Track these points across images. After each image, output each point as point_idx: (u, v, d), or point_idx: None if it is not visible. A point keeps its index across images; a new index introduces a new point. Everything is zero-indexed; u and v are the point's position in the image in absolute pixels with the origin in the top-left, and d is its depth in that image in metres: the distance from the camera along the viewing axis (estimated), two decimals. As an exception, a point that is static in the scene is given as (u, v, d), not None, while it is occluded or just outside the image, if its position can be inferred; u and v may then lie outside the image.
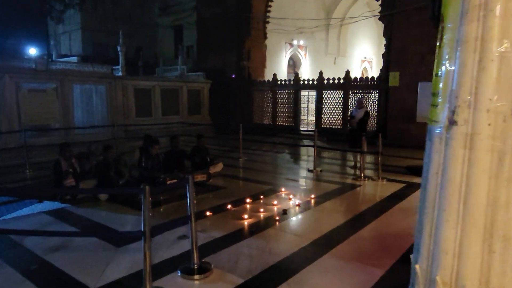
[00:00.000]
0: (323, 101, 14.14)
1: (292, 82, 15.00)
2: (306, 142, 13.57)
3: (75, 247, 4.06)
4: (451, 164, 1.92)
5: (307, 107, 14.81)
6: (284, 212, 5.25)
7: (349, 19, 20.37)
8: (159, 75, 16.83)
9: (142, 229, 3.02)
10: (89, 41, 19.91)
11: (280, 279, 3.34)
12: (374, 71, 25.93)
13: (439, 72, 2.13)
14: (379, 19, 12.56)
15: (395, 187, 6.82)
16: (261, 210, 5.30)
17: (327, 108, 14.10)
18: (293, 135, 14.56)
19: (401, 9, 11.62)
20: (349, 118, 8.74)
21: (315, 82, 14.30)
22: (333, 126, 13.89)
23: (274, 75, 15.61)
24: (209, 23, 16.75)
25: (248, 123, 15.99)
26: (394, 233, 4.54)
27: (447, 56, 2.06)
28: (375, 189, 6.85)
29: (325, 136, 13.68)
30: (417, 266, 2.21)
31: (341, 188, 6.81)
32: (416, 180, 7.38)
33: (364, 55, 25.97)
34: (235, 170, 8.62)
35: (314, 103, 14.45)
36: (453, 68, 1.99)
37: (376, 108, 12.84)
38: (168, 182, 6.49)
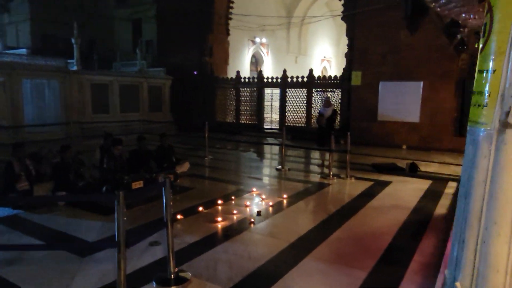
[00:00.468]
0: (287, 99, 14.17)
1: (256, 80, 14.89)
2: (270, 140, 13.54)
3: (33, 259, 3.66)
4: (503, 172, 1.74)
5: (271, 105, 14.78)
6: (258, 214, 5.11)
7: (310, 18, 20.63)
8: (117, 70, 16.04)
9: (116, 238, 2.73)
10: (38, 32, 18.54)
11: (263, 287, 3.19)
12: (333, 71, 26.51)
13: (487, 68, 1.92)
14: (342, 18, 12.75)
15: (364, 185, 6.90)
16: (234, 211, 5.12)
17: (291, 106, 14.14)
18: (257, 133, 14.47)
19: (363, 9, 11.87)
20: (317, 117, 8.76)
21: (279, 80, 14.28)
22: (297, 124, 13.96)
23: (238, 72, 15.41)
24: (170, 18, 16.20)
25: (210, 121, 15.65)
26: (370, 232, 4.54)
27: (497, 50, 1.85)
28: (345, 187, 6.89)
29: (289, 134, 13.71)
30: (458, 284, 2.02)
31: (311, 187, 6.79)
32: (383, 178, 7.55)
33: (324, 55, 26.46)
34: (202, 169, 8.36)
35: (278, 101, 14.44)
36: (506, 63, 1.79)
37: (339, 106, 13.05)
38: (134, 184, 6.12)
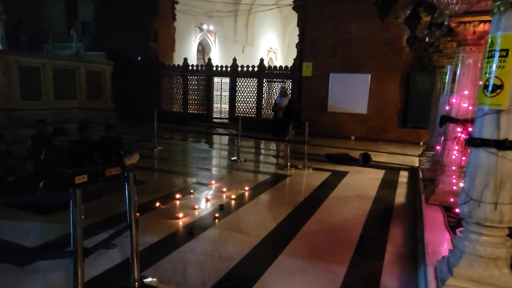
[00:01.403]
0: (237, 88, 13.84)
1: (204, 68, 14.33)
2: (220, 130, 13.15)
3: (-44, 273, 2.99)
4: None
5: (220, 94, 14.35)
6: (221, 208, 4.78)
7: (259, 7, 20.37)
8: (48, 52, 14.46)
9: (72, 247, 2.26)
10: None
11: (242, 290, 2.89)
12: (279, 62, 26.56)
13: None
14: (293, 8, 12.66)
15: (322, 176, 6.85)
16: (195, 206, 4.74)
17: (241, 96, 13.84)
18: (205, 124, 13.99)
19: (314, 1, 11.86)
20: (273, 107, 8.56)
21: (229, 69, 13.88)
22: (247, 115, 13.70)
23: (185, 59, 14.72)
24: (110, -2, 14.95)
25: (156, 110, 14.84)
26: (339, 224, 4.44)
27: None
28: (304, 178, 6.78)
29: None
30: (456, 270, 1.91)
31: (271, 179, 6.58)
32: (339, 168, 7.58)
33: (270, 46, 26.39)
34: (153, 161, 7.79)
35: (228, 90, 14.06)
36: None
37: (289, 97, 12.98)
38: (77, 178, 5.43)
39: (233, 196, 5.25)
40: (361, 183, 6.44)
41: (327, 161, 8.31)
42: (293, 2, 12.54)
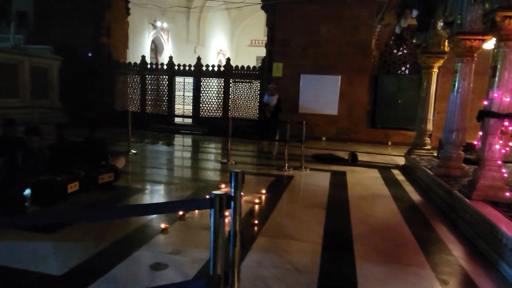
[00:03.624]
0: (202, 89, 13.19)
1: (165, 67, 13.43)
2: (184, 132, 12.43)
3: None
4: None
5: (183, 95, 13.55)
6: (251, 214, 4.30)
7: (214, 6, 19.83)
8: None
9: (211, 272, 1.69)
10: None
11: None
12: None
13: None
14: (262, 7, 12.40)
15: (324, 176, 6.66)
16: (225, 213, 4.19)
17: (205, 97, 13.20)
18: (167, 126, 13.08)
19: (283, 1, 11.74)
20: (263, 106, 8.20)
21: (193, 68, 13.18)
22: (213, 116, 13.11)
23: (143, 57, 13.69)
24: (53, -14, 13.38)
25: (110, 111, 13.61)
26: (383, 224, 4.24)
27: None
28: (309, 178, 6.52)
29: (205, 126, 12.84)
30: None
31: (277, 180, 6.20)
32: (333, 168, 7.44)
33: (220, 47, 25.90)
34: (137, 166, 6.94)
35: (191, 91, 13.33)
36: None
37: (258, 98, 12.72)
38: (69, 186, 4.56)
39: (256, 201, 4.78)
40: (367, 182, 6.35)
41: (314, 161, 8.13)
42: (261, 1, 12.28)
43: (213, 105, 13.16)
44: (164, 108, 13.65)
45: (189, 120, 13.87)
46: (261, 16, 28.67)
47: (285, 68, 12.03)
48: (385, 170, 7.54)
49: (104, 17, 13.35)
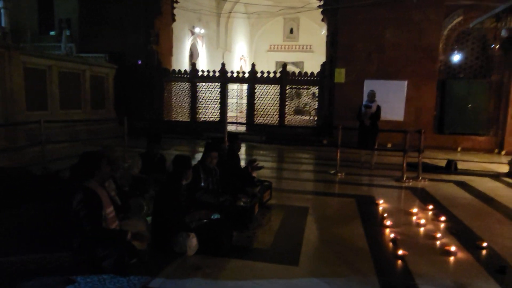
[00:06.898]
0: (256, 96, 12.88)
1: (218, 74, 13.10)
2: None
3: None
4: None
5: (237, 102, 13.23)
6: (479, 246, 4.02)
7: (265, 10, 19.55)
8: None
9: None
10: None
11: None
12: (247, 69, 25.87)
13: None
14: (322, 12, 12.19)
15: (450, 186, 6.49)
16: (437, 235, 3.89)
17: (261, 104, 12.90)
18: (222, 134, 12.73)
19: (346, 5, 11.52)
20: (360, 113, 7.94)
21: (247, 75, 12.88)
22: (268, 123, 12.80)
23: (193, 64, 13.42)
24: (99, -8, 12.97)
25: (159, 120, 13.23)
26: None
27: None
28: (439, 189, 6.24)
29: (262, 134, 12.52)
30: None
31: (414, 192, 5.94)
32: (445, 177, 7.19)
33: (242, 53, 25.64)
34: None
35: (245, 98, 13.02)
36: None
37: (316, 105, 12.47)
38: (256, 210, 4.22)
39: (443, 218, 4.48)
40: (500, 192, 6.12)
41: (413, 169, 7.87)
42: (322, 6, 12.05)
43: (268, 112, 12.85)
44: (215, 116, 13.30)
45: (242, 128, 13.54)
46: (279, 21, 28.70)
47: (347, 73, 11.80)
48: (497, 179, 7.30)
49: (155, 24, 13.00)
